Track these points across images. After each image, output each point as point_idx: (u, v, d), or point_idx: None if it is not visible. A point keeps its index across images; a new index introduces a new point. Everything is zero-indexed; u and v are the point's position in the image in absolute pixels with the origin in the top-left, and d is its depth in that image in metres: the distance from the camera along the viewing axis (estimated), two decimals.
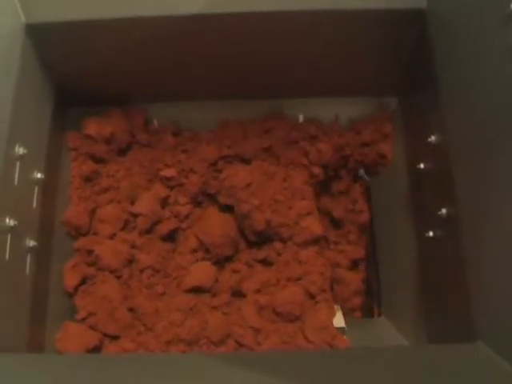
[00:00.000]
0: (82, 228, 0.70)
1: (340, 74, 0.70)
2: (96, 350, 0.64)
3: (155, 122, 0.77)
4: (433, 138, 0.58)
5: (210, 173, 0.74)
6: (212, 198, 0.74)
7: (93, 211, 0.71)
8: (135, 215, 0.71)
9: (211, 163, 0.74)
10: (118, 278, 0.68)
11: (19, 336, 0.56)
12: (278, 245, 0.69)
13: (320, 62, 0.67)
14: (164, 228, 0.72)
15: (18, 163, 0.56)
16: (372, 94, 0.74)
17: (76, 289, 0.68)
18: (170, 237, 0.73)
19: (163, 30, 0.60)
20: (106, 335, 0.65)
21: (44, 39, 0.60)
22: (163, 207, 0.73)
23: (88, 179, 0.72)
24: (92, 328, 0.64)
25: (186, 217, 0.73)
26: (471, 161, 0.49)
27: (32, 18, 0.58)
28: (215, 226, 0.70)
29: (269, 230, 0.68)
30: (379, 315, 0.75)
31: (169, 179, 0.73)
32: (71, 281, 0.67)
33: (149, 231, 0.72)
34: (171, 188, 0.74)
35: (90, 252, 0.68)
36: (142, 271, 0.69)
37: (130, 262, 0.69)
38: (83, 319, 0.65)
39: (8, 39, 0.55)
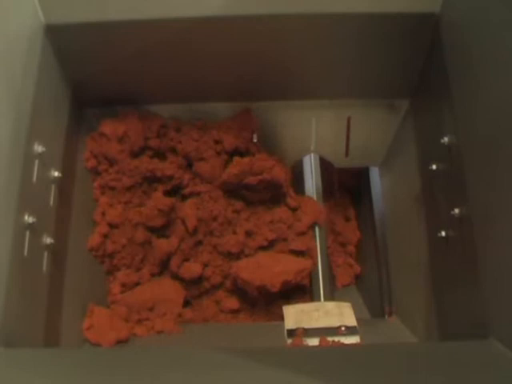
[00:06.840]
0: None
1: (353, 77, 0.71)
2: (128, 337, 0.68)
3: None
4: (445, 139, 0.58)
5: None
6: None
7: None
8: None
9: (227, 151, 0.76)
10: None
11: (36, 330, 0.57)
12: None
13: (332, 64, 0.68)
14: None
15: (36, 161, 0.57)
16: (384, 96, 0.74)
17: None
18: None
19: (179, 32, 0.60)
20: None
21: (63, 40, 0.61)
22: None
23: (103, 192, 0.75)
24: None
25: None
26: (483, 161, 0.50)
27: (51, 19, 0.58)
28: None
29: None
30: (390, 314, 0.76)
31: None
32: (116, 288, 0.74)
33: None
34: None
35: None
36: None
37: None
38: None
39: (27, 40, 0.56)
